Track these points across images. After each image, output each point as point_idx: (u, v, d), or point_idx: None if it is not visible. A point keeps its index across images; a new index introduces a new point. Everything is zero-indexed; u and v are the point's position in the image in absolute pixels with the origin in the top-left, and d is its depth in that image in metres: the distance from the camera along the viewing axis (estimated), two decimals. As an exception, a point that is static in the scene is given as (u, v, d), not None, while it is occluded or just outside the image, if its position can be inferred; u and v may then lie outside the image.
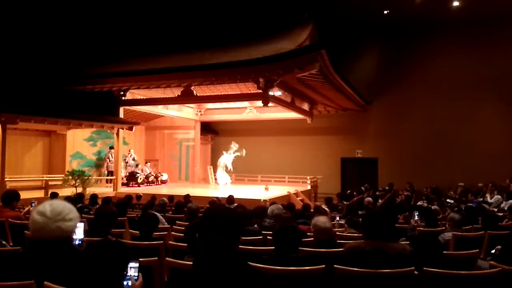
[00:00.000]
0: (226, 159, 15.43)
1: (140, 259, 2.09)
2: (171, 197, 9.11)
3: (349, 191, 12.09)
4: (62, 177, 12.05)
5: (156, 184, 15.75)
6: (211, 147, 19.86)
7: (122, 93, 13.53)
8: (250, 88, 12.80)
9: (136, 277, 2.01)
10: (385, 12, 15.63)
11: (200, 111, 17.41)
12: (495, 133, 14.98)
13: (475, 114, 15.43)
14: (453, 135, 15.54)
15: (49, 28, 13.45)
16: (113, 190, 13.00)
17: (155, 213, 4.97)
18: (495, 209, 8.36)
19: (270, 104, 12.28)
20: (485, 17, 14.92)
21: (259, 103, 12.53)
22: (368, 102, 16.16)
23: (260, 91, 11.69)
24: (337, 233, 4.44)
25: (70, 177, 11.72)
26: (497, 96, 15.13)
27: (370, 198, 8.96)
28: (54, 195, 7.67)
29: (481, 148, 14.91)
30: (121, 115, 13.81)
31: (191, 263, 1.71)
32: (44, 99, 11.80)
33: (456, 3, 14.51)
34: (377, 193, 12.35)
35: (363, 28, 16.90)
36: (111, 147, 14.52)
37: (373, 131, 17.20)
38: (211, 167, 17.16)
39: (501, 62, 15.02)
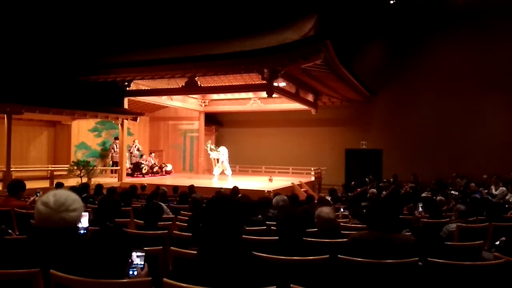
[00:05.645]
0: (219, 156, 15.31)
1: (145, 248, 2.10)
2: (175, 188, 9.14)
3: (353, 183, 12.08)
4: (67, 167, 12.13)
5: (161, 175, 15.83)
6: (215, 138, 19.87)
7: (126, 83, 13.53)
8: (254, 79, 12.74)
9: (141, 266, 2.03)
10: (391, 2, 15.45)
11: (204, 102, 17.39)
12: (500, 126, 14.84)
13: (480, 106, 15.26)
14: (458, 127, 15.41)
15: (54, 20, 13.41)
16: (118, 181, 13.08)
17: (160, 203, 4.99)
18: (500, 201, 8.32)
19: (274, 95, 12.24)
20: (493, 8, 14.69)
21: (264, 94, 12.50)
22: (373, 93, 16.06)
23: (264, 82, 11.64)
24: (341, 224, 4.45)
25: (75, 167, 11.80)
26: (502, 88, 14.95)
27: (374, 190, 8.95)
28: (59, 185, 7.74)
29: (486, 140, 14.79)
30: (126, 106, 13.82)
31: (195, 252, 1.72)
32: (49, 90, 11.82)
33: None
34: (381, 184, 12.33)
35: (369, 19, 16.72)
36: (116, 138, 14.56)
37: (378, 122, 17.11)
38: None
39: (508, 55, 14.81)
